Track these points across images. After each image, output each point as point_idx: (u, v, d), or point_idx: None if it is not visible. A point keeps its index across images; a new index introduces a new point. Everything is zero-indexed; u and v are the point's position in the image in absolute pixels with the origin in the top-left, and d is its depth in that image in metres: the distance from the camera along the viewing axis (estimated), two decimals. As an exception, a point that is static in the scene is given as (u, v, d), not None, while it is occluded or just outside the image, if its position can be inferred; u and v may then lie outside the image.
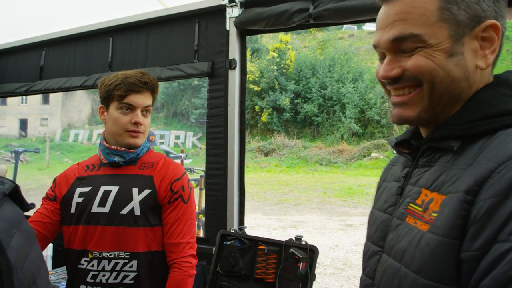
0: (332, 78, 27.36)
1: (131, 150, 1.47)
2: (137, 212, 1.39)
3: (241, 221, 2.28)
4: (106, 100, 1.47)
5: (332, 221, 8.96)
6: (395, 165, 0.96)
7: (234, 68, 2.28)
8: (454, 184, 0.68)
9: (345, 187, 14.68)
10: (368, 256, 0.89)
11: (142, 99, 1.45)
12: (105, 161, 1.48)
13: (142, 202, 1.40)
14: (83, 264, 1.38)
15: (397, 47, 0.76)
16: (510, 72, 0.79)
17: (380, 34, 0.78)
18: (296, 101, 27.22)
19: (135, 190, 1.41)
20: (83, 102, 34.03)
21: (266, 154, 24.38)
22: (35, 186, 16.31)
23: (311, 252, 1.91)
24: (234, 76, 2.28)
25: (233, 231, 2.12)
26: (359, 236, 7.45)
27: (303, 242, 1.95)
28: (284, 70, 28.34)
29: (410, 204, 0.76)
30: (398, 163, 0.94)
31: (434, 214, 0.68)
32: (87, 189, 1.44)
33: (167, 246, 1.43)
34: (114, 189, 1.42)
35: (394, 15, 0.75)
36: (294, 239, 1.98)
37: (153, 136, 6.39)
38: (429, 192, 0.73)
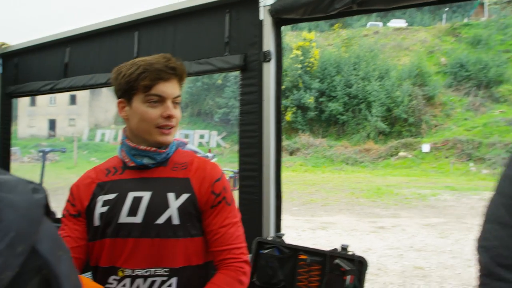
0: (357, 76, 26.92)
1: (161, 150, 1.26)
2: (176, 221, 1.18)
3: (278, 227, 2.09)
4: (127, 93, 1.23)
5: (362, 222, 8.68)
6: None
7: (269, 60, 2.09)
8: None
9: (373, 187, 14.31)
10: None
11: (172, 88, 1.23)
12: (131, 164, 1.26)
13: (180, 209, 1.20)
14: (112, 284, 1.18)
15: None
16: None
17: None
18: (320, 99, 26.94)
19: (171, 196, 1.21)
20: (109, 102, 34.58)
21: (291, 153, 24.17)
22: (64, 184, 16.54)
23: (359, 264, 1.70)
24: (269, 69, 2.09)
25: (270, 238, 1.93)
26: (392, 240, 7.14)
27: (350, 253, 1.74)
28: (308, 69, 28.10)
29: None
30: None
31: None
32: (111, 196, 1.23)
33: (216, 255, 1.23)
34: (146, 195, 1.21)
35: None
36: (339, 248, 1.77)
37: None
38: None
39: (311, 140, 25.04)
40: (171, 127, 1.25)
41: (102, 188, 1.26)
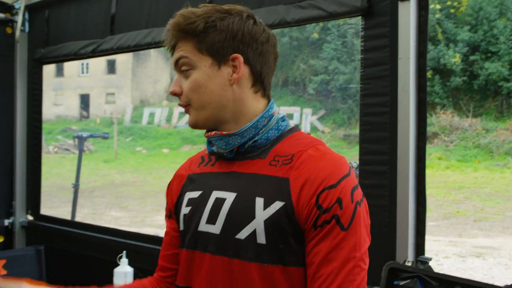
0: (534, 19, 25.36)
1: (222, 132, 1.25)
2: (261, 238, 1.16)
3: (420, 248, 2.08)
4: None
5: (542, 249, 8.29)
6: None
7: (408, -2, 2.08)
8: None
9: (559, 194, 13.52)
10: None
11: (177, 53, 1.27)
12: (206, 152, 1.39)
13: (268, 223, 1.16)
14: None
15: None
16: None
17: None
18: (472, 57, 25.82)
19: (259, 201, 1.18)
20: (159, 70, 35.94)
21: (425, 141, 23.61)
22: (102, 183, 17.81)
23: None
24: (407, 12, 2.08)
25: (409, 264, 1.94)
26: None
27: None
28: (452, 10, 27.05)
29: None
30: None
31: None
32: (196, 193, 1.30)
33: None
34: (230, 197, 1.23)
35: None
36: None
37: None
38: None
39: (455, 121, 24.16)
40: (184, 106, 1.29)
41: (192, 181, 1.36)
